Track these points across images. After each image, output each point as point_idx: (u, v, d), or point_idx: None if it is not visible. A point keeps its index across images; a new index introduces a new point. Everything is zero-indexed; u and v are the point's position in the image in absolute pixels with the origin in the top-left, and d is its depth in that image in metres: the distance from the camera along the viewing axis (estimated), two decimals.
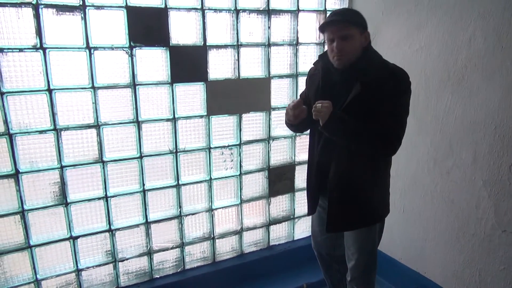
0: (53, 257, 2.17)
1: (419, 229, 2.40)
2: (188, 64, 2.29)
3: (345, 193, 1.70)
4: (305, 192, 1.93)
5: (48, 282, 2.18)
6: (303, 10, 2.58)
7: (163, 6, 2.16)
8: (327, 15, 2.63)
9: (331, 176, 1.70)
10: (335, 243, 1.99)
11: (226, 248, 2.67)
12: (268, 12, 2.46)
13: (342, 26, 1.55)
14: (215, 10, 2.31)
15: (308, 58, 2.66)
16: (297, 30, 2.59)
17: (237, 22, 2.37)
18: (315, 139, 1.81)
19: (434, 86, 2.18)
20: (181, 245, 2.50)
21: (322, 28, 1.61)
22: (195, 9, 2.25)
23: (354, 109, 1.58)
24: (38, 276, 2.15)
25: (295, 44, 2.60)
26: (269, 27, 2.48)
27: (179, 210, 2.44)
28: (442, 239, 2.26)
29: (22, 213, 2.05)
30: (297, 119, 1.68)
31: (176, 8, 2.20)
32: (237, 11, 2.36)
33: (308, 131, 1.91)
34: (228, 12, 2.35)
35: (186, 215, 2.47)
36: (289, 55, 2.61)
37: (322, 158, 1.74)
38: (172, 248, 2.47)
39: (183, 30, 2.26)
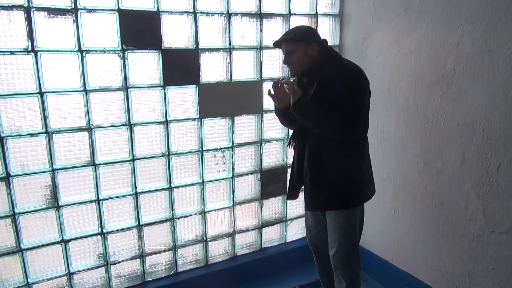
0: (44, 261, 2.16)
1: (410, 230, 2.43)
2: (180, 67, 2.30)
3: (316, 175, 1.89)
4: None
5: (39, 286, 2.16)
6: (294, 14, 2.61)
7: (155, 9, 2.17)
8: (318, 19, 2.72)
9: (305, 159, 1.92)
10: None
11: (218, 251, 2.67)
12: (260, 16, 2.48)
13: (286, 43, 1.86)
14: (207, 13, 2.32)
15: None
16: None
17: (229, 26, 2.39)
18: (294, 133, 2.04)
19: (424, 89, 2.21)
20: (174, 248, 2.50)
21: (277, 44, 1.91)
22: (187, 12, 2.27)
23: (315, 102, 1.83)
24: (29, 279, 2.13)
25: None
26: (261, 31, 2.50)
27: (171, 212, 2.44)
28: (432, 240, 2.29)
29: (13, 216, 2.03)
30: (281, 103, 1.95)
31: (168, 12, 2.21)
32: (229, 15, 2.38)
33: None
34: (220, 15, 2.36)
35: (179, 218, 2.47)
36: (281, 58, 2.62)
37: (298, 144, 1.97)
38: (164, 251, 2.47)
39: (175, 33, 2.27)
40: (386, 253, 2.65)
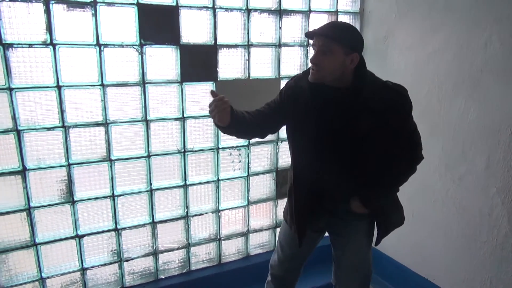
0: (58, 256, 2.15)
1: (428, 235, 2.37)
2: (198, 63, 2.27)
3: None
4: None
5: (53, 281, 2.16)
6: (314, 11, 2.55)
7: (174, 4, 2.14)
8: (338, 16, 2.66)
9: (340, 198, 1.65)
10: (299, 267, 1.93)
11: (232, 250, 2.64)
12: (280, 12, 2.43)
13: (324, 39, 1.47)
14: (227, 9, 2.28)
15: None
16: (308, 31, 2.56)
17: (248, 22, 2.35)
18: (306, 154, 1.65)
19: (448, 90, 2.15)
20: (187, 246, 2.47)
21: (309, 35, 1.53)
22: (207, 7, 2.23)
23: (370, 134, 1.52)
24: (43, 274, 2.12)
25: (306, 45, 2.57)
26: (280, 28, 2.45)
27: (186, 210, 2.41)
28: (452, 246, 2.23)
29: (29, 210, 2.02)
30: (223, 120, 1.47)
31: (187, 6, 2.18)
32: (248, 11, 2.33)
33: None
34: (240, 11, 2.32)
35: (193, 216, 2.44)
36: (299, 56, 2.58)
37: (324, 182, 1.64)
38: (178, 248, 2.44)
39: (193, 29, 2.24)
40: (402, 257, 2.59)
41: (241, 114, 1.56)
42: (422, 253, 2.43)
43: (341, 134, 1.55)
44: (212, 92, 1.48)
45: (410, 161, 1.61)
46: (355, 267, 1.78)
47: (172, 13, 2.15)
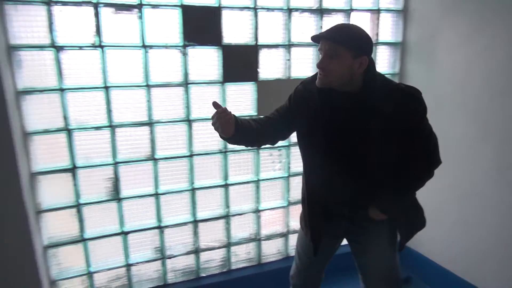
0: (105, 251, 2.22)
1: (477, 240, 2.27)
2: (239, 64, 2.28)
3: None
4: None
5: (100, 275, 2.23)
6: (356, 10, 2.51)
7: (216, 5, 2.16)
8: (380, 15, 2.60)
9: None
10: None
11: (271, 250, 2.63)
12: (321, 12, 2.40)
13: (330, 44, 1.40)
14: (268, 9, 2.28)
15: None
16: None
17: (289, 21, 2.34)
18: (316, 160, 1.60)
19: (499, 89, 2.05)
20: (228, 245, 2.49)
21: (316, 39, 1.46)
22: (248, 8, 2.24)
23: (381, 139, 1.47)
24: (90, 268, 2.20)
25: None
26: (321, 27, 2.42)
27: (226, 210, 2.43)
28: (501, 252, 2.12)
29: (78, 206, 2.11)
30: (227, 131, 1.43)
31: (229, 7, 2.19)
32: (289, 10, 2.32)
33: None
34: (281, 11, 2.32)
35: (233, 215, 2.45)
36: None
37: (336, 188, 1.59)
38: (218, 247, 2.47)
39: (235, 29, 2.25)
40: (448, 262, 2.49)
41: (247, 123, 1.52)
42: (472, 259, 2.32)
43: (351, 139, 1.50)
44: (214, 104, 1.44)
45: (426, 165, 1.53)
46: (382, 274, 1.71)
47: (214, 14, 2.17)
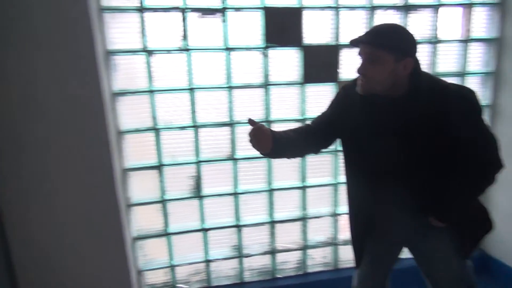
0: (186, 246, 2.32)
1: None
2: (319, 64, 2.25)
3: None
4: None
5: (181, 269, 2.33)
6: (445, 5, 2.34)
7: (298, 5, 2.15)
8: (473, 9, 2.40)
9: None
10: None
11: (349, 256, 2.55)
12: (407, 8, 2.28)
13: (370, 48, 1.32)
14: (350, 7, 2.22)
15: (448, 57, 2.41)
16: (436, 26, 2.36)
17: (372, 20, 2.25)
18: (360, 167, 1.53)
19: None
20: (304, 248, 2.46)
21: (354, 43, 1.39)
22: (330, 7, 2.20)
23: (431, 145, 1.37)
24: (173, 262, 2.31)
25: (434, 41, 2.37)
26: (406, 24, 2.30)
27: (303, 212, 2.40)
28: None
29: (163, 202, 2.22)
30: (263, 147, 1.43)
31: (310, 7, 2.17)
32: (372, 8, 2.24)
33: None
34: (363, 9, 2.24)
35: (311, 218, 2.42)
36: (428, 53, 2.39)
37: (381, 197, 1.51)
38: (295, 249, 2.45)
39: (316, 29, 2.22)
40: None
41: (285, 136, 1.49)
42: None
43: (400, 146, 1.39)
44: (250, 121, 1.44)
45: (484, 170, 1.39)
46: (452, 281, 1.57)
47: (296, 14, 2.16)
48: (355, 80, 1.48)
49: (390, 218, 1.56)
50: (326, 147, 1.65)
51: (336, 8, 2.20)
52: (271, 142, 1.43)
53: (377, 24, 1.41)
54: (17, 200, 1.91)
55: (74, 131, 1.88)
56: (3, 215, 1.91)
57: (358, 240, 1.65)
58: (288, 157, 1.63)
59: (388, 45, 1.30)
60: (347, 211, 1.67)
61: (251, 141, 1.45)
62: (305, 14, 2.17)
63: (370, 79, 1.35)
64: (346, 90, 1.55)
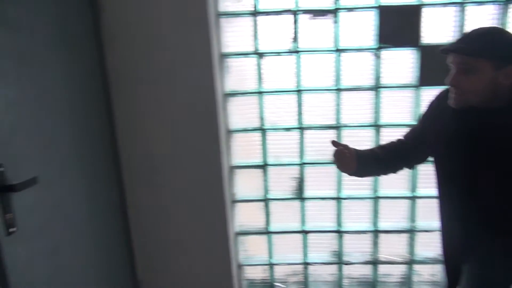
0: (285, 246, 2.34)
1: None
2: (437, 66, 2.05)
3: None
4: None
5: (279, 268, 2.36)
6: None
7: (416, 3, 2.00)
8: None
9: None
10: None
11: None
12: None
13: (462, 56, 1.20)
14: (479, 2, 1.99)
15: None
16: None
17: (505, 16, 1.99)
18: (451, 186, 1.41)
19: None
20: (410, 262, 2.30)
21: (445, 51, 1.27)
22: (454, 3, 2.00)
23: None
24: (272, 260, 2.35)
25: None
26: None
27: (412, 224, 2.24)
28: None
29: (266, 201, 2.27)
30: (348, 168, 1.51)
31: (430, 4, 2.01)
32: (506, 2, 1.98)
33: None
34: (494, 3, 1.99)
35: (419, 231, 2.25)
36: None
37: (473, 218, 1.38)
38: (400, 263, 2.31)
39: (436, 28, 2.05)
40: None
41: (371, 155, 1.47)
42: None
43: (496, 165, 1.23)
44: (333, 142, 1.50)
45: None
46: None
47: (413, 13, 2.01)
48: (448, 90, 1.35)
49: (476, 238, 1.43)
50: (418, 162, 1.60)
51: (462, 4, 2.00)
52: (355, 163, 1.47)
53: (473, 29, 1.27)
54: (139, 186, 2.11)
55: (189, 127, 2.02)
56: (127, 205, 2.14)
57: (451, 260, 1.52)
58: (378, 174, 1.68)
59: (485, 51, 1.18)
60: (440, 230, 1.55)
61: (335, 162, 1.53)
62: (425, 12, 2.01)
63: (464, 91, 1.24)
64: (440, 100, 1.44)
